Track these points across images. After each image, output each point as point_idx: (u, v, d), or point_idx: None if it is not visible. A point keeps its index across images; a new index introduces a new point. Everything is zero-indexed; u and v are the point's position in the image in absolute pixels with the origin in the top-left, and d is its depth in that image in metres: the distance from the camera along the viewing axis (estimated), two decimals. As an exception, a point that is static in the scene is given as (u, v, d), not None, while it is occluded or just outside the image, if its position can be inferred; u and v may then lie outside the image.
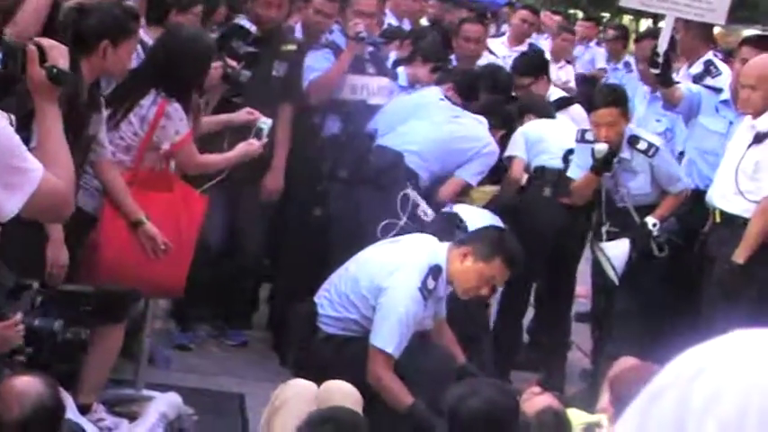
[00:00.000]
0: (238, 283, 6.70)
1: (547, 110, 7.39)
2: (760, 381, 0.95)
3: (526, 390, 4.62)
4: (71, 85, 4.53)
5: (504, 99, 7.05)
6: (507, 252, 5.33)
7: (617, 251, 6.35)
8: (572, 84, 11.52)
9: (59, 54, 3.13)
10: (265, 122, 5.83)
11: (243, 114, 5.90)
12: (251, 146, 5.70)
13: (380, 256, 5.39)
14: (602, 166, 6.35)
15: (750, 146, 6.17)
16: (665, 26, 7.02)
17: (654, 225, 6.39)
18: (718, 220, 6.33)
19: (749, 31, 17.79)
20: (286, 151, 6.51)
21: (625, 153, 6.40)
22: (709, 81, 7.12)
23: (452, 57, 7.84)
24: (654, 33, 7.56)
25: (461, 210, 6.26)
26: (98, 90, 4.92)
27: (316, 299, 5.47)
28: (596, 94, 6.64)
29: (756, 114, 6.17)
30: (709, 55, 7.39)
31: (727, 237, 6.21)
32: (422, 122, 6.53)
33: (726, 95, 6.86)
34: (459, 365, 5.35)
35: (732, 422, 0.94)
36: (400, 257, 5.31)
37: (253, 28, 6.36)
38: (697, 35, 7.41)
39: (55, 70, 3.09)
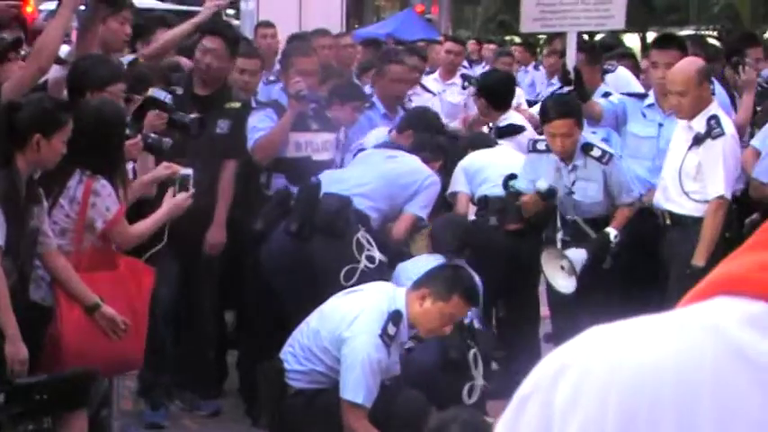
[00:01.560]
0: (202, 352, 6.67)
1: (486, 142, 7.46)
2: (617, 377, 0.87)
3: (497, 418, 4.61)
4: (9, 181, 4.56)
5: (428, 136, 7.08)
6: (464, 288, 5.36)
7: (577, 257, 6.36)
8: (524, 106, 11.60)
9: None
10: (186, 174, 5.67)
11: (161, 170, 5.72)
12: (178, 199, 5.56)
13: (339, 307, 5.39)
14: (546, 199, 6.44)
15: (690, 147, 6.23)
16: (569, 42, 7.08)
17: (615, 237, 6.39)
18: (668, 222, 6.38)
19: (684, 33, 17.99)
20: (228, 205, 6.49)
21: (578, 160, 6.43)
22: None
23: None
24: (561, 51, 7.62)
25: (408, 266, 6.23)
26: (35, 182, 4.93)
27: (281, 355, 5.48)
28: (549, 106, 6.56)
29: (690, 118, 6.24)
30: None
31: (679, 238, 6.26)
32: (361, 166, 6.60)
33: (651, 100, 6.87)
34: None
35: (592, 423, 0.86)
36: (358, 306, 5.32)
37: (168, 98, 6.30)
38: None
39: None
